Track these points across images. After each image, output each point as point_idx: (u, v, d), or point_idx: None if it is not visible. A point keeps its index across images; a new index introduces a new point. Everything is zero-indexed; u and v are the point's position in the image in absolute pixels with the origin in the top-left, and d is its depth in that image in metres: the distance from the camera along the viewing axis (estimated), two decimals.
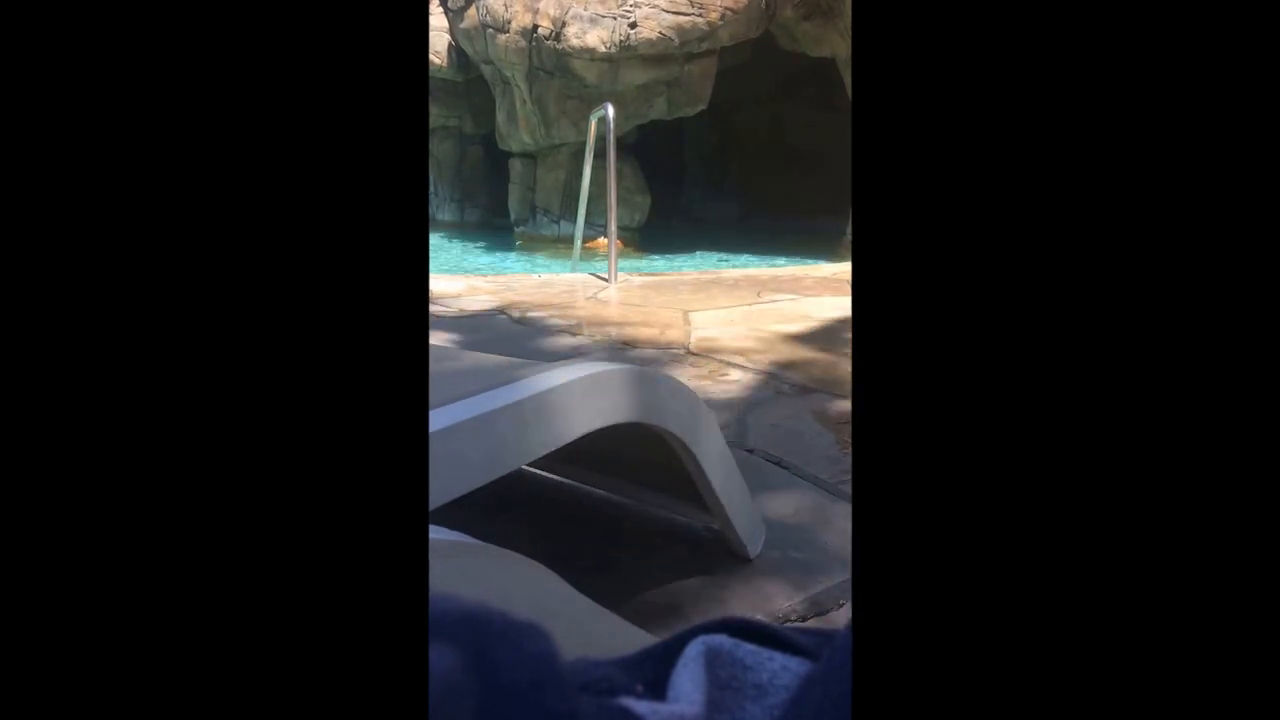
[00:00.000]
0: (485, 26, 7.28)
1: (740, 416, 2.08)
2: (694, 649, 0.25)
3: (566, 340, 2.98)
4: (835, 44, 7.10)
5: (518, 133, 7.75)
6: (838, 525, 1.51)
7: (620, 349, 2.84)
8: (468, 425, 0.95)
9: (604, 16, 6.87)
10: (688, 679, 0.24)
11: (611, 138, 4.39)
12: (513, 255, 7.45)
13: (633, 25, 6.81)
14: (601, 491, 1.58)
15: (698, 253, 7.31)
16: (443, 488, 0.90)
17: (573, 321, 3.28)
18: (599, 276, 4.35)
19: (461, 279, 4.44)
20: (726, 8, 6.84)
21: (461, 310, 3.47)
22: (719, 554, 1.39)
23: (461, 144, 9.03)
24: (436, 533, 0.71)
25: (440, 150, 8.94)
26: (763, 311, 3.40)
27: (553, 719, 0.20)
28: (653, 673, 0.25)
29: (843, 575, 1.34)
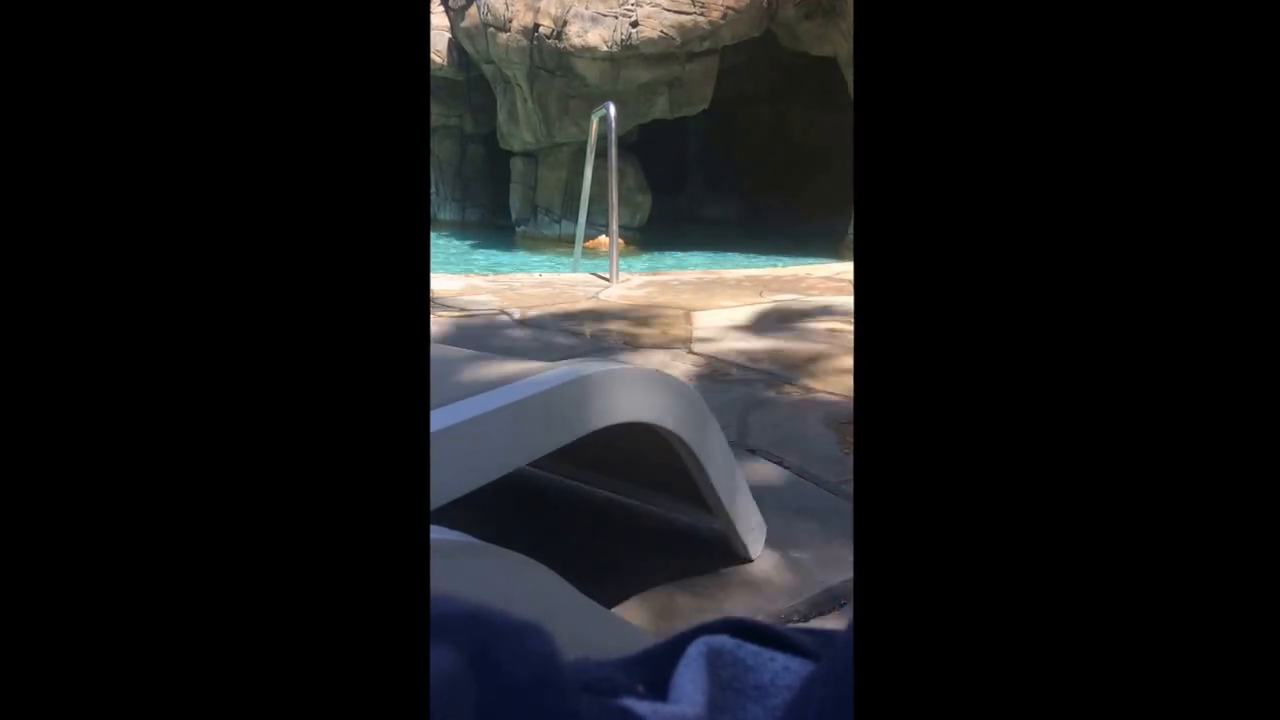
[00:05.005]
0: (486, 25, 7.28)
1: (742, 416, 2.08)
2: (696, 649, 0.25)
3: (567, 340, 2.98)
4: (837, 43, 7.10)
5: (519, 132, 7.75)
6: (839, 525, 1.51)
7: (621, 349, 2.84)
8: (468, 425, 0.95)
9: (605, 15, 6.87)
10: (689, 679, 0.24)
11: (613, 137, 4.39)
12: (514, 254, 7.45)
13: (634, 24, 6.81)
14: (602, 491, 1.58)
15: (699, 252, 7.31)
16: (443, 488, 0.89)
17: (573, 321, 3.28)
18: (600, 276, 4.35)
19: (462, 278, 4.44)
20: (728, 7, 6.84)
21: (462, 310, 3.47)
22: (720, 554, 1.39)
23: (462, 143, 9.03)
24: (437, 533, 0.71)
25: (441, 149, 8.95)
26: (765, 311, 3.40)
27: (554, 719, 0.20)
28: (654, 673, 0.25)
29: (844, 576, 1.34)
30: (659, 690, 0.24)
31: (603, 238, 5.74)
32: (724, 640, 0.25)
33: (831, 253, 6.13)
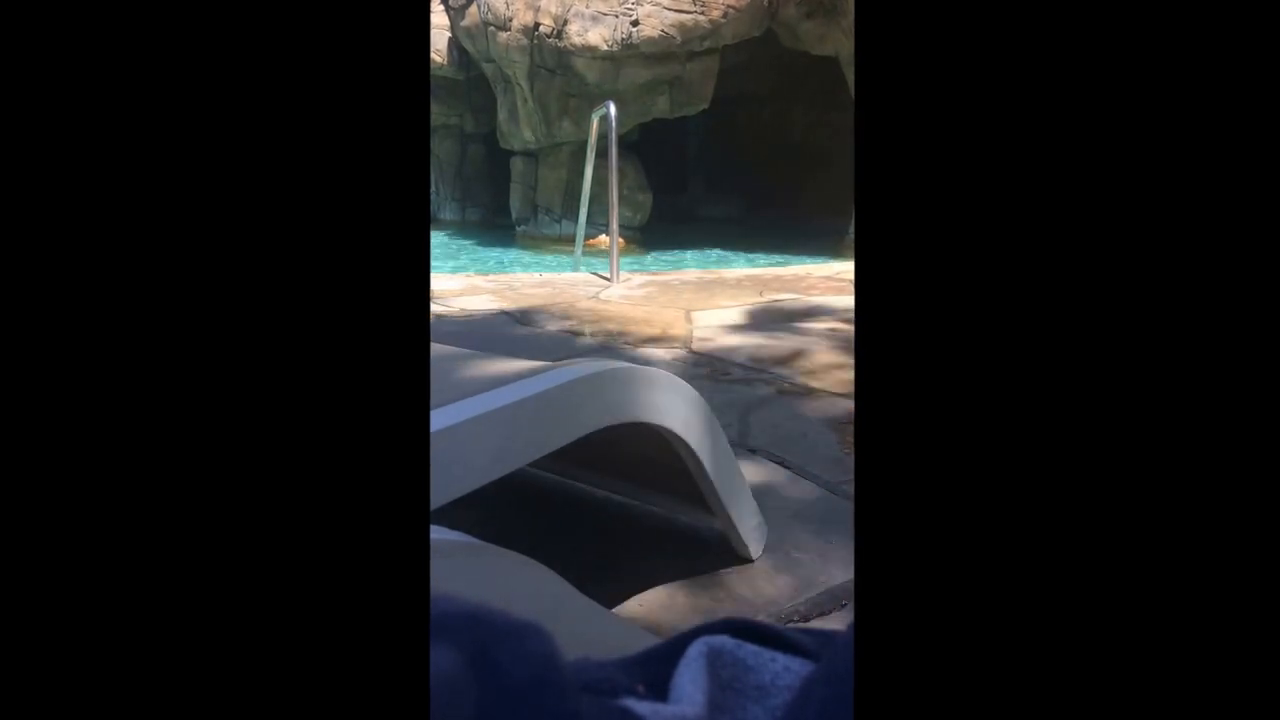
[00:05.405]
0: (486, 24, 7.28)
1: (742, 416, 2.08)
2: (696, 649, 0.25)
3: (568, 340, 2.98)
4: (838, 42, 7.10)
5: (519, 131, 7.75)
6: (840, 526, 1.51)
7: (622, 348, 2.84)
8: (469, 425, 0.95)
9: (606, 15, 6.87)
10: (689, 679, 0.24)
11: (613, 136, 4.39)
12: (514, 254, 7.45)
13: (635, 23, 6.80)
14: (602, 491, 1.58)
15: (700, 251, 7.31)
16: (444, 488, 0.89)
17: (574, 321, 3.28)
18: (600, 275, 4.35)
19: (462, 278, 4.44)
20: (729, 6, 6.84)
21: (462, 309, 3.47)
22: (721, 554, 1.39)
23: (463, 142, 9.03)
24: (438, 533, 0.71)
25: (441, 149, 8.95)
26: (766, 311, 3.40)
27: (554, 719, 0.20)
28: (654, 673, 0.25)
29: (845, 576, 1.34)
30: (659, 690, 0.24)
31: (603, 237, 5.74)
32: (724, 640, 0.25)
33: (832, 252, 6.13)
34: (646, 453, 1.29)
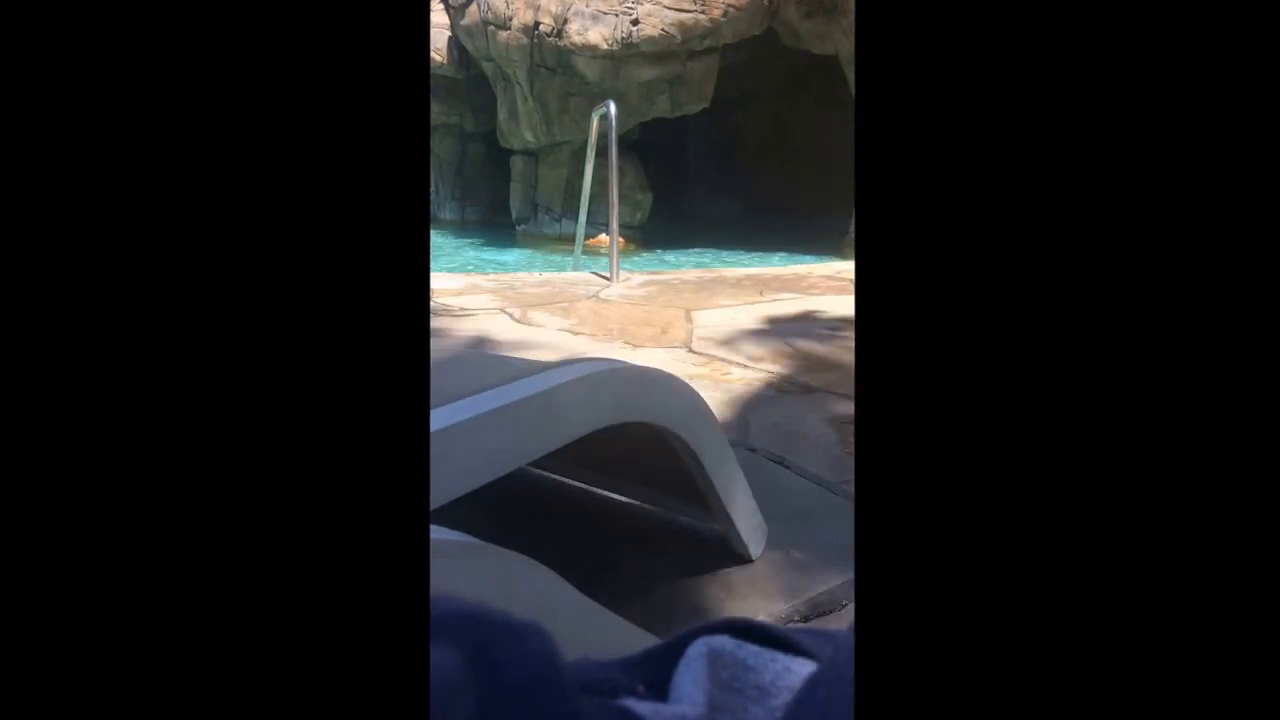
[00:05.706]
0: (486, 23, 7.28)
1: (742, 416, 2.08)
2: (696, 650, 0.25)
3: (567, 339, 2.98)
4: (838, 41, 7.10)
5: (519, 130, 7.75)
6: (840, 525, 1.51)
7: (622, 348, 2.84)
8: (468, 425, 0.95)
9: (606, 13, 6.87)
10: (690, 680, 0.24)
11: (613, 135, 4.38)
12: (514, 253, 7.45)
13: (635, 22, 6.81)
14: (602, 491, 1.58)
15: (700, 251, 7.32)
16: (444, 487, 0.89)
17: (574, 320, 3.28)
18: (601, 275, 4.35)
19: (462, 277, 4.44)
20: (729, 5, 6.84)
21: (462, 309, 3.47)
22: (721, 554, 1.39)
23: (462, 142, 9.03)
24: (438, 532, 0.71)
25: (441, 148, 8.95)
26: (766, 311, 3.40)
27: (554, 719, 0.20)
28: (655, 673, 0.25)
29: (845, 576, 1.34)
30: (659, 690, 0.24)
31: (603, 236, 5.74)
32: (724, 641, 0.25)
33: (833, 251, 6.13)
34: (646, 453, 1.29)
